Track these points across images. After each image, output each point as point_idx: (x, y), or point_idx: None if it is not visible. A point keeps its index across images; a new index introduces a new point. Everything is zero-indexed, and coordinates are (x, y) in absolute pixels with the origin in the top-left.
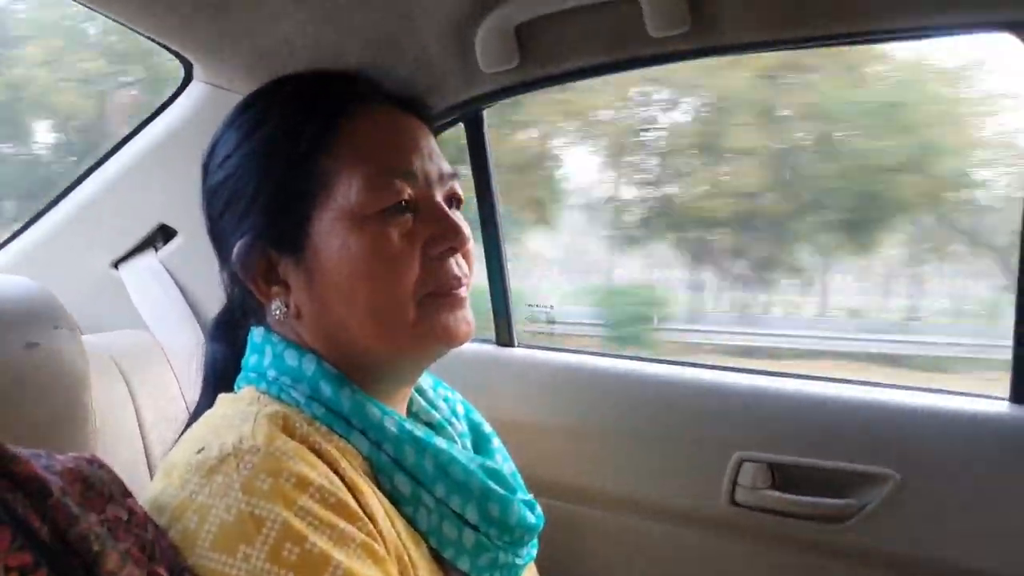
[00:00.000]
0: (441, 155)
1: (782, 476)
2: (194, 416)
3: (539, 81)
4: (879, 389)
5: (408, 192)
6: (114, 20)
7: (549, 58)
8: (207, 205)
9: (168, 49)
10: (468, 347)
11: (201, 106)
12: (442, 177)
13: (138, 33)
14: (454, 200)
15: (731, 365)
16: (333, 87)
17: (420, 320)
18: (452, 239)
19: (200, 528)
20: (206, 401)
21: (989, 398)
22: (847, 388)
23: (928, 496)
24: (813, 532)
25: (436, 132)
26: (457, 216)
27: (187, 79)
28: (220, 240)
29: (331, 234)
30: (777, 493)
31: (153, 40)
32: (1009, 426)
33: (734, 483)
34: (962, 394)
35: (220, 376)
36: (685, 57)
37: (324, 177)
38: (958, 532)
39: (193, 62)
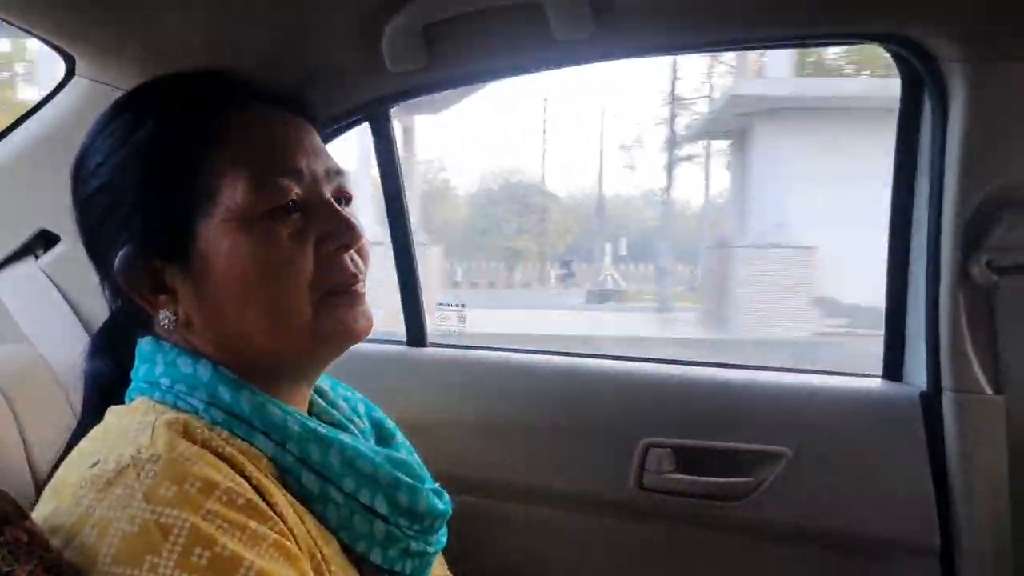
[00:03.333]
0: (328, 153)
1: (686, 459)
2: (78, 433)
3: (446, 81)
4: (771, 372)
5: (296, 191)
6: None
7: (456, 59)
8: (81, 216)
9: (46, 42)
10: (379, 348)
11: (85, 104)
12: (329, 174)
13: (10, 24)
14: (343, 197)
15: (634, 355)
16: (211, 88)
17: (317, 319)
18: (344, 236)
19: (100, 543)
20: (91, 418)
21: (866, 376)
22: (741, 372)
23: (816, 470)
24: (715, 510)
25: (341, 130)
26: (348, 212)
27: (69, 74)
28: (99, 252)
29: (219, 239)
30: (681, 475)
31: (29, 32)
32: (882, 401)
33: (641, 468)
34: (843, 374)
35: (104, 392)
36: (588, 60)
37: (208, 181)
38: (843, 500)
39: (76, 57)
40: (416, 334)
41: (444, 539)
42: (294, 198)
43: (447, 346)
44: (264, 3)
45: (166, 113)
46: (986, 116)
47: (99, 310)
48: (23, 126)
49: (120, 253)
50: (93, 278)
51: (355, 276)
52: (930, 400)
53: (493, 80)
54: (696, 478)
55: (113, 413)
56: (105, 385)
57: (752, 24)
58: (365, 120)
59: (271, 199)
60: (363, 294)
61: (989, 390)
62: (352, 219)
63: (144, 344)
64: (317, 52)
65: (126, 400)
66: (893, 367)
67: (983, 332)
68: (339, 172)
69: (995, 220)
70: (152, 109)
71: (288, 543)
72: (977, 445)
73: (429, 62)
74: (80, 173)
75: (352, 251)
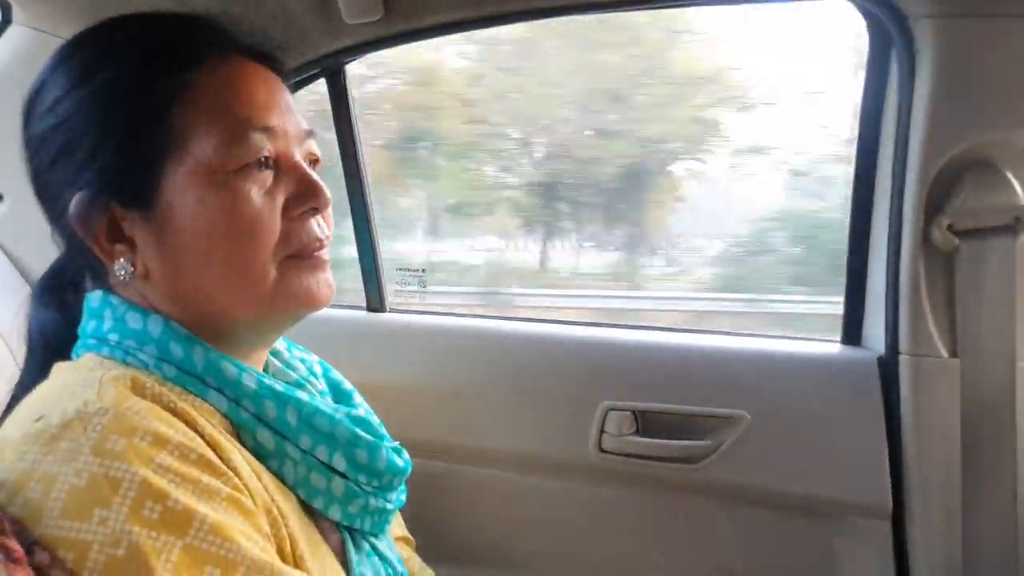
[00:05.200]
0: (299, 111)
1: (645, 422)
2: (20, 389)
3: (402, 35)
4: (731, 337)
5: (268, 148)
6: None
7: (413, 11)
8: (32, 155)
9: None
10: (338, 314)
11: (23, 53)
12: (300, 135)
13: None
14: (312, 159)
15: (596, 321)
16: (186, 33)
17: (280, 283)
18: (314, 199)
19: (46, 497)
20: (34, 373)
21: (825, 341)
22: (702, 337)
23: (775, 433)
24: (674, 472)
25: (296, 87)
26: (316, 176)
27: (5, 21)
28: (50, 194)
29: (186, 191)
30: (641, 438)
31: None
32: (840, 365)
33: (601, 431)
34: (803, 338)
35: (49, 345)
36: (548, 14)
37: (178, 130)
38: (800, 463)
39: (11, 2)
40: (375, 300)
41: (403, 497)
42: (267, 154)
43: (407, 312)
44: None
45: (135, 53)
46: (954, 75)
47: (44, 268)
48: None
49: (76, 196)
50: (37, 236)
51: (321, 242)
52: (887, 364)
53: (449, 33)
54: (655, 441)
55: (59, 370)
56: (50, 338)
57: None
58: (320, 76)
59: (244, 155)
60: (327, 260)
61: (945, 354)
62: (320, 183)
63: (93, 299)
64: (270, 5)
65: (73, 357)
66: (852, 331)
67: (942, 296)
68: (309, 133)
69: (958, 182)
70: (119, 47)
71: (243, 498)
72: (931, 409)
73: (385, 14)
74: (34, 108)
75: (319, 215)
